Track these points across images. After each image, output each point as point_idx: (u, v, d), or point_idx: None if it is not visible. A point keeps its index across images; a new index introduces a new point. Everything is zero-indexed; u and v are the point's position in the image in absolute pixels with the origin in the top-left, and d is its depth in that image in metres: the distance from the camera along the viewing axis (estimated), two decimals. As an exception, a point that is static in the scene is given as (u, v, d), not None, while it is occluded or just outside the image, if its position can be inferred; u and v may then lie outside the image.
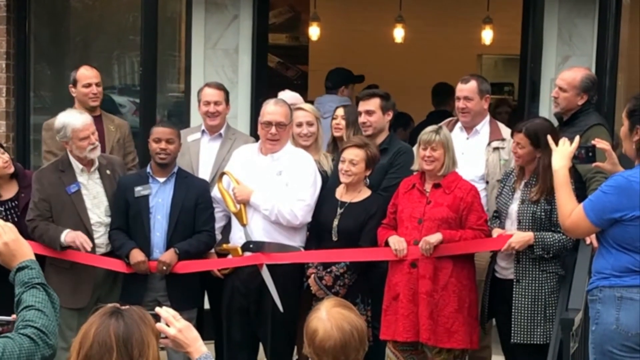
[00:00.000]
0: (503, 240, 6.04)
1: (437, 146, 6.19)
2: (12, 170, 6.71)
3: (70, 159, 6.59)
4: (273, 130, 6.45)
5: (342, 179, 6.44)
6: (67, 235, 6.42)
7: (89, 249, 6.42)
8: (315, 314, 3.59)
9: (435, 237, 6.10)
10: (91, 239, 6.49)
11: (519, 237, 6.00)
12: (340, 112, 7.16)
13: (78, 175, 6.58)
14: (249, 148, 6.71)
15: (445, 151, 6.21)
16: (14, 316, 3.81)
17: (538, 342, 6.04)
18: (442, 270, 6.16)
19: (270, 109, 6.54)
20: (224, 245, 6.57)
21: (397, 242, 6.17)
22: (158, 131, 6.56)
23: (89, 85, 7.26)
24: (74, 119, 6.55)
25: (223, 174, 6.59)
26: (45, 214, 6.52)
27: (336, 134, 7.13)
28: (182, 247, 6.47)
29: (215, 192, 6.63)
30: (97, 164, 6.63)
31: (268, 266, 6.38)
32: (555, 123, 6.66)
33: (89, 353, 2.92)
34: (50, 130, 7.07)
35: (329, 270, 6.35)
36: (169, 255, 6.44)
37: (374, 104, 6.84)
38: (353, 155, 6.36)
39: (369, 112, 6.82)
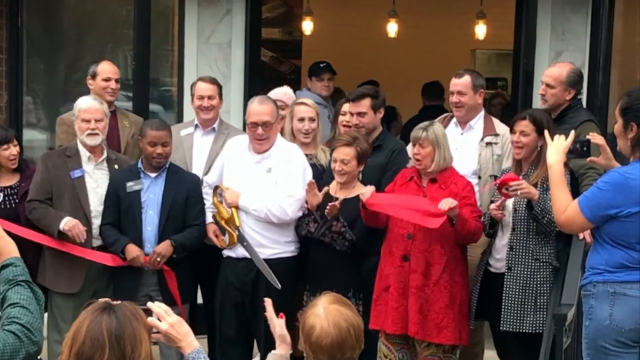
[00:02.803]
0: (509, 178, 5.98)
1: (425, 143, 6.16)
2: (15, 166, 6.75)
3: (78, 146, 6.64)
4: (259, 130, 6.42)
5: (338, 178, 6.44)
6: (66, 223, 6.42)
7: (83, 241, 6.43)
8: (312, 309, 3.57)
9: (455, 203, 5.97)
10: (90, 226, 6.53)
11: (529, 186, 5.94)
12: (348, 107, 7.04)
13: (84, 162, 6.62)
14: (241, 141, 6.67)
15: (435, 148, 6.17)
16: None
17: (527, 331, 6.03)
18: (434, 265, 6.13)
19: (255, 109, 6.46)
20: (224, 216, 6.53)
21: (364, 191, 6.14)
22: (153, 135, 6.51)
23: (108, 79, 7.19)
24: (84, 101, 6.68)
25: (217, 187, 6.57)
26: (46, 196, 6.53)
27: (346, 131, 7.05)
28: (177, 240, 6.48)
29: (209, 205, 6.64)
30: (105, 155, 6.67)
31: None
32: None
33: (81, 349, 2.90)
34: (63, 124, 7.08)
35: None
36: (164, 247, 6.44)
37: (365, 105, 6.76)
38: (344, 155, 6.35)
39: (360, 114, 6.76)
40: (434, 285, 6.13)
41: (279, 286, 6.30)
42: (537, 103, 8.00)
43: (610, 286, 4.94)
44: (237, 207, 6.45)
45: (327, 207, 6.27)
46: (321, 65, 9.04)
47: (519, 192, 5.92)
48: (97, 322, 2.93)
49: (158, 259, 6.43)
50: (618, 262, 4.92)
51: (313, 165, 6.71)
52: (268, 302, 3.94)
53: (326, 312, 3.52)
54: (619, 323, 4.91)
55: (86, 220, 6.55)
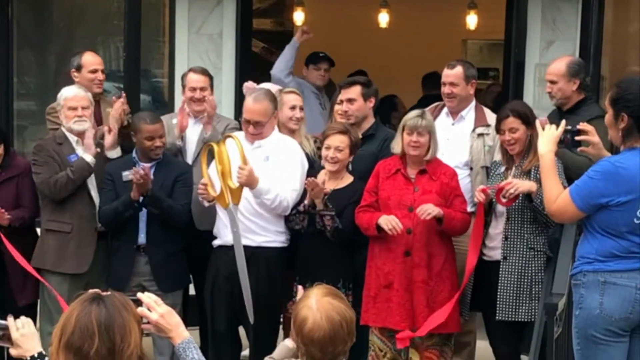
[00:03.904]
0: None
1: (424, 131, 6.18)
2: None
3: (65, 133, 6.67)
4: (251, 129, 6.39)
5: (329, 167, 6.41)
6: (87, 147, 6.54)
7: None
8: (304, 302, 3.54)
9: (434, 208, 6.04)
10: (94, 208, 6.61)
11: (523, 182, 5.98)
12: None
13: (75, 146, 6.66)
14: (238, 135, 6.62)
15: (431, 136, 6.20)
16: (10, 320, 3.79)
17: (522, 320, 6.06)
18: (435, 257, 6.16)
19: (249, 107, 6.42)
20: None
21: (389, 221, 6.08)
22: (149, 129, 6.53)
23: (95, 71, 7.16)
24: (68, 90, 6.71)
25: (229, 137, 6.32)
26: (57, 170, 6.55)
27: (341, 120, 7.05)
28: (158, 192, 6.43)
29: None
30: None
31: (254, 258, 6.35)
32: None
33: (71, 340, 2.91)
34: (53, 112, 7.07)
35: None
36: (149, 180, 6.37)
37: (354, 92, 6.82)
38: (339, 142, 6.35)
39: (350, 101, 6.81)
40: (437, 277, 6.16)
41: (250, 305, 6.20)
42: (529, 92, 8.07)
43: (600, 275, 4.96)
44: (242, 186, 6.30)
45: (306, 183, 6.23)
46: (320, 54, 9.05)
47: (515, 191, 5.94)
48: (86, 312, 2.94)
49: (140, 171, 6.31)
50: (608, 251, 4.94)
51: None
52: (300, 290, 3.89)
53: (318, 305, 3.49)
54: (609, 312, 4.93)
55: (90, 200, 6.63)
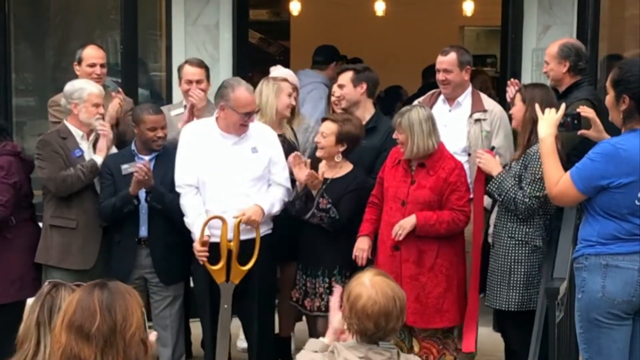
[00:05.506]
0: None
1: (400, 129, 6.09)
2: None
3: (69, 128, 6.63)
4: (252, 117, 6.29)
5: (317, 152, 6.47)
6: (98, 150, 6.54)
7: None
8: (356, 281, 3.66)
9: (410, 222, 6.04)
10: (98, 203, 6.57)
11: (491, 160, 6.04)
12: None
13: (79, 141, 6.63)
14: (200, 128, 6.48)
15: (408, 135, 6.06)
16: None
17: (502, 308, 6.03)
18: (426, 253, 6.10)
19: (249, 99, 6.24)
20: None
21: (356, 249, 6.25)
22: (152, 120, 6.50)
23: (93, 65, 7.15)
24: (92, 85, 6.68)
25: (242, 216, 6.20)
26: (61, 165, 6.52)
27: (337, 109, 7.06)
28: (161, 188, 6.43)
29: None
30: (95, 134, 6.65)
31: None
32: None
33: (72, 319, 2.89)
34: (54, 105, 7.07)
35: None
36: (151, 178, 6.36)
37: (344, 78, 6.89)
38: (324, 128, 6.37)
39: (340, 86, 6.89)
40: (428, 272, 6.11)
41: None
42: (526, 77, 8.04)
43: (602, 258, 4.96)
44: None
45: (306, 176, 6.24)
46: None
47: (481, 163, 6.04)
48: (88, 294, 2.93)
49: (143, 168, 6.31)
50: (610, 233, 4.95)
51: (287, 143, 6.70)
52: (337, 289, 4.00)
53: (372, 282, 3.62)
54: (612, 295, 4.94)
55: (95, 196, 6.60)
